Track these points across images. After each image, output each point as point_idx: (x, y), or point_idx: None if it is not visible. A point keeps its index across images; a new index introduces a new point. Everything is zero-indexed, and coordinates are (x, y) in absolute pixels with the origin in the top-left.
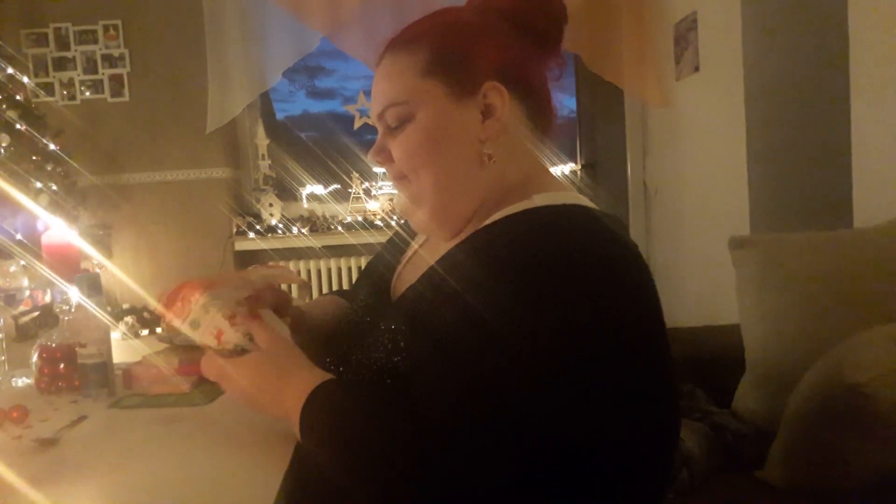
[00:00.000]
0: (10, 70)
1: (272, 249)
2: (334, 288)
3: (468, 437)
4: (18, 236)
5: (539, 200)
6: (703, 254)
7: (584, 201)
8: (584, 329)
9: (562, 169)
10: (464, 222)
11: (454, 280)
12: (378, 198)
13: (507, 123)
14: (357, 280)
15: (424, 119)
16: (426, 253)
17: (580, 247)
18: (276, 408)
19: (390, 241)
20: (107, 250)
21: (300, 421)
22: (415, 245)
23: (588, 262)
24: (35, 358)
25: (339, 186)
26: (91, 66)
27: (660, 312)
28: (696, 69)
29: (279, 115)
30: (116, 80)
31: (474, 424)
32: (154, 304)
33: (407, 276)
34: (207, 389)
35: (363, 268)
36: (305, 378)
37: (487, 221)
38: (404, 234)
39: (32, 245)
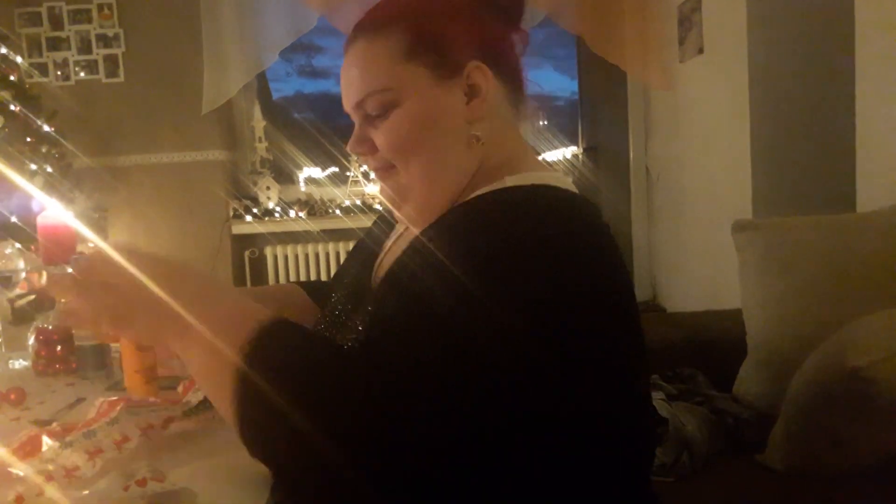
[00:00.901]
0: (3, 50)
1: (269, 233)
2: (332, 272)
3: (426, 390)
4: (14, 218)
5: (510, 182)
6: (705, 238)
7: (555, 181)
8: (540, 303)
9: (563, 152)
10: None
11: (427, 253)
12: (377, 181)
13: (492, 103)
14: (345, 262)
15: (411, 105)
16: (407, 238)
17: (540, 226)
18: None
19: (376, 224)
20: (103, 233)
21: (249, 354)
22: (399, 229)
23: (548, 240)
24: (32, 340)
25: (336, 169)
26: (85, 46)
27: (625, 288)
28: (700, 51)
29: (275, 96)
30: (111, 61)
31: (434, 376)
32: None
33: (387, 264)
34: None
35: (350, 250)
36: (244, 309)
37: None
38: (389, 219)
39: (28, 227)
